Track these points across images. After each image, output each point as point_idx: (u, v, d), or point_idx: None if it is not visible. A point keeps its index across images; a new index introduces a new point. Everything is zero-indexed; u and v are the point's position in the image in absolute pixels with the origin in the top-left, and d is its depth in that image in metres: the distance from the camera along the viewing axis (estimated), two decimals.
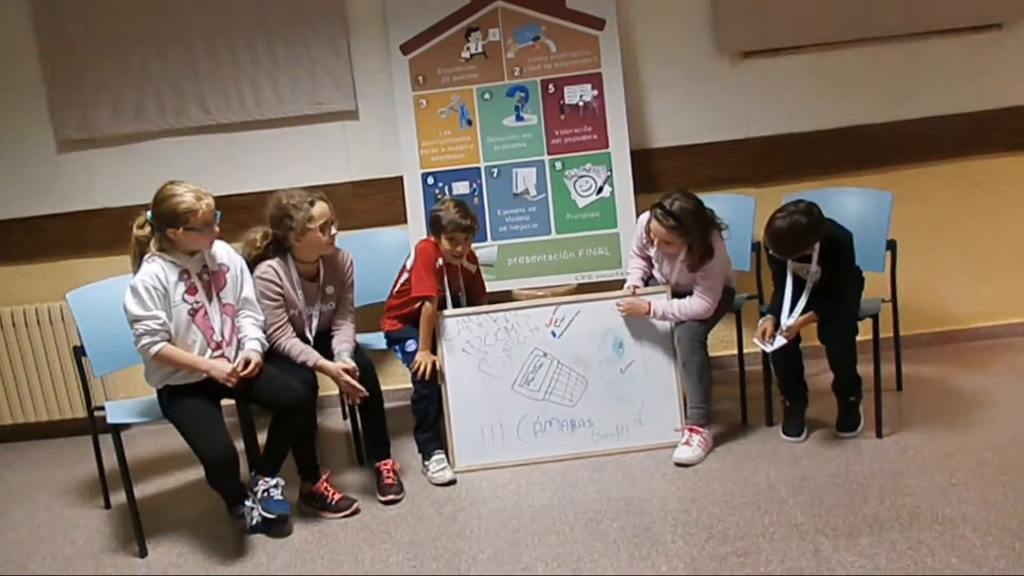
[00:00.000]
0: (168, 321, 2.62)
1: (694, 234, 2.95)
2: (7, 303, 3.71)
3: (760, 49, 3.61)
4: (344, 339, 2.98)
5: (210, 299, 2.71)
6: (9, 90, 3.64)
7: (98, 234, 3.61)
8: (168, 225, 2.61)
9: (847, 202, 3.24)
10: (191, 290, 2.67)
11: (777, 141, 3.65)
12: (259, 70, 3.60)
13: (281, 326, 2.89)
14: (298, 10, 3.56)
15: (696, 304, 3.03)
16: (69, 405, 3.73)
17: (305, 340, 2.95)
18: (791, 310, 2.94)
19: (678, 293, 3.11)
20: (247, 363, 2.70)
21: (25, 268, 3.75)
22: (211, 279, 2.73)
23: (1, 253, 3.74)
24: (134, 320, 2.59)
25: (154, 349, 2.60)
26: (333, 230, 2.89)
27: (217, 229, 2.69)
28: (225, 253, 2.79)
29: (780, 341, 2.93)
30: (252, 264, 2.90)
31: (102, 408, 2.96)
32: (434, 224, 3.07)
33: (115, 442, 2.75)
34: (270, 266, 2.89)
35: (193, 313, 2.67)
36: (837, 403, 3.06)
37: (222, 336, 2.71)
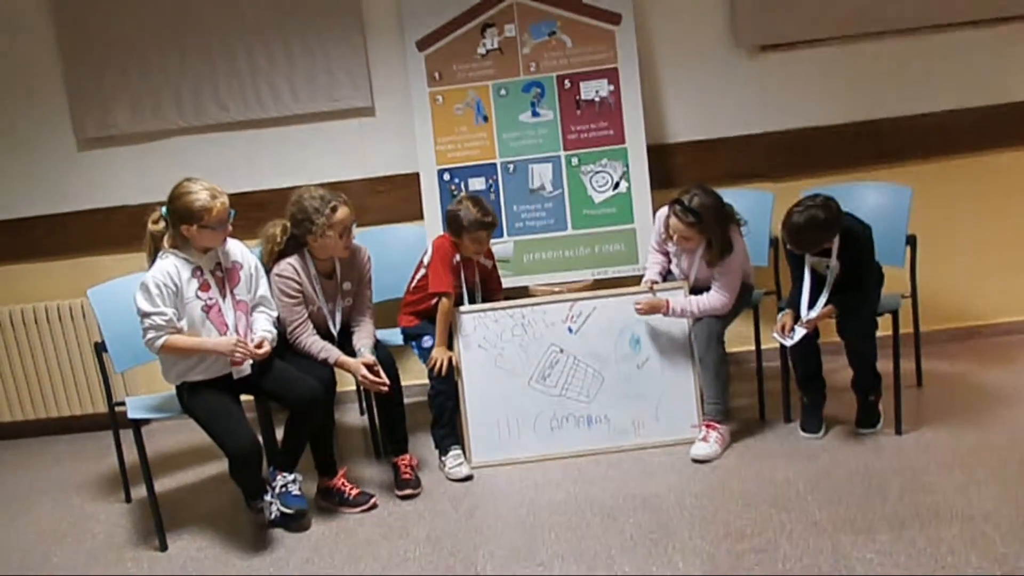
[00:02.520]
0: (176, 318, 2.64)
1: (713, 230, 2.93)
2: (28, 300, 3.75)
3: (777, 43, 3.59)
4: (364, 335, 2.99)
5: (224, 296, 2.73)
6: (30, 89, 3.68)
7: (117, 231, 3.64)
8: (182, 222, 2.63)
9: (866, 197, 3.21)
10: (204, 287, 2.69)
11: (795, 135, 3.62)
12: (276, 68, 3.61)
13: (301, 323, 2.90)
14: (314, 7, 3.56)
15: (714, 299, 3.02)
16: (90, 400, 3.77)
17: (329, 336, 2.96)
18: (810, 305, 2.92)
19: (696, 288, 3.10)
20: (260, 345, 2.71)
21: (45, 265, 3.79)
22: (225, 276, 2.74)
23: (21, 250, 3.78)
24: (142, 315, 2.62)
25: (158, 343, 2.62)
26: (351, 235, 2.89)
27: (230, 227, 2.70)
28: (239, 251, 2.81)
29: (800, 333, 2.91)
30: (272, 260, 2.91)
31: (123, 403, 2.98)
32: (453, 224, 3.05)
33: (136, 437, 2.78)
34: (289, 263, 2.90)
35: (207, 310, 2.69)
36: (856, 400, 3.04)
37: (236, 332, 2.72)
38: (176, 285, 2.64)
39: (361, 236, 3.05)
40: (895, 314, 3.00)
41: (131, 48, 3.59)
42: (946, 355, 3.61)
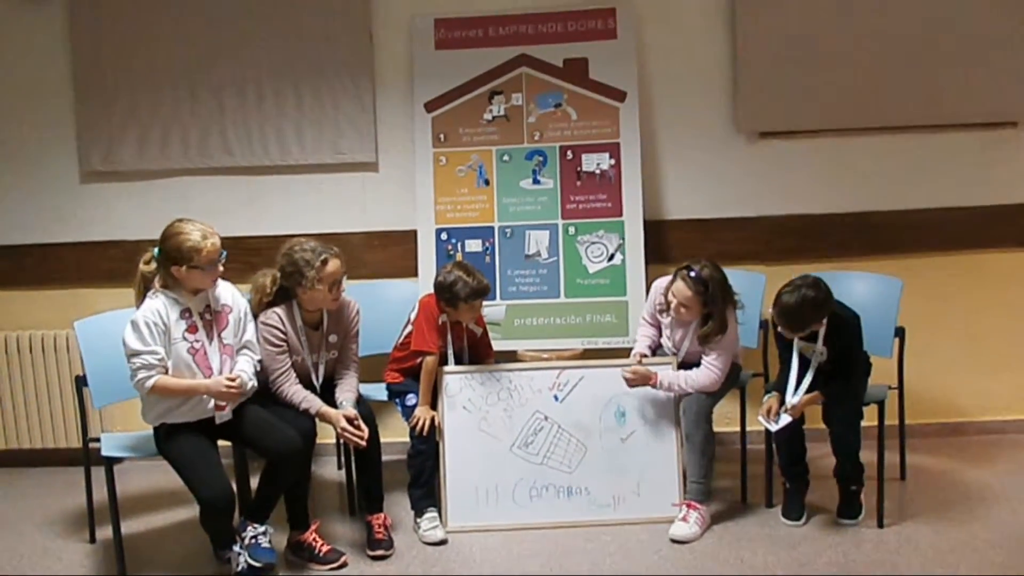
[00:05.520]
0: (166, 357, 2.62)
1: (716, 303, 2.95)
2: (13, 328, 3.72)
3: (777, 130, 3.67)
4: (347, 389, 2.97)
5: (211, 339, 2.71)
6: (39, 117, 3.71)
7: (112, 266, 3.64)
8: (172, 262, 2.63)
9: (857, 286, 3.24)
10: (192, 328, 2.68)
11: (790, 221, 3.68)
12: (284, 117, 3.67)
13: (284, 372, 2.89)
14: (328, 61, 3.64)
15: (703, 376, 3.01)
16: (64, 434, 3.70)
17: (312, 388, 2.94)
18: (796, 389, 2.92)
19: (685, 364, 3.10)
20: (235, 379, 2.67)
21: (34, 294, 3.77)
22: (213, 319, 2.73)
23: (12, 277, 3.76)
24: (132, 354, 2.60)
25: (149, 383, 2.59)
26: (340, 288, 2.90)
27: (221, 268, 2.69)
28: (230, 294, 2.80)
29: (785, 419, 2.91)
30: (261, 310, 2.90)
31: (98, 440, 2.94)
32: (447, 296, 3.01)
33: (107, 475, 2.73)
34: (275, 312, 2.89)
35: (193, 352, 2.67)
36: (838, 490, 3.01)
37: (221, 376, 2.70)
38: (165, 324, 2.63)
39: (354, 289, 3.05)
40: (881, 405, 3.00)
41: (144, 85, 3.64)
42: (930, 449, 3.60)
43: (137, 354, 2.59)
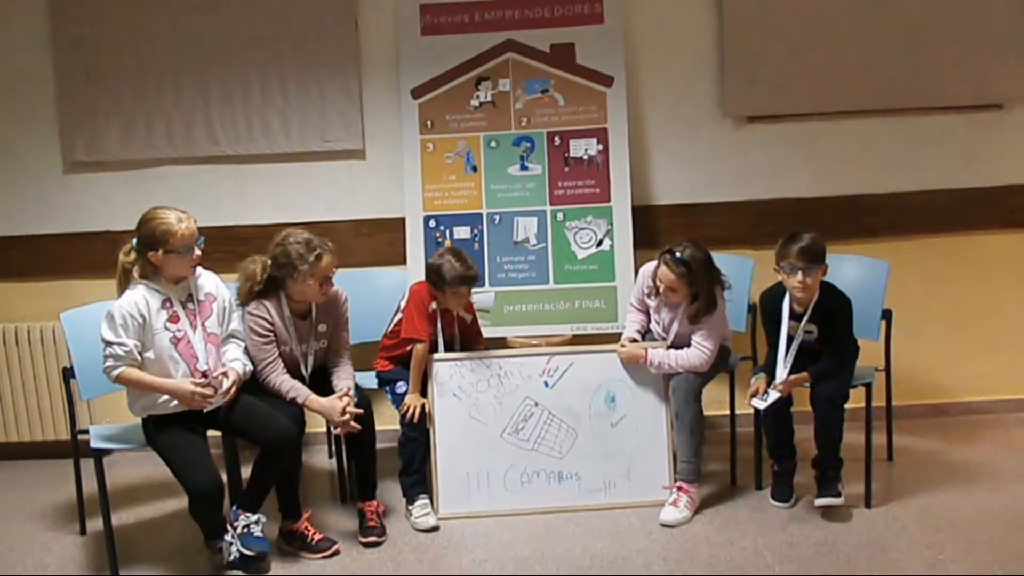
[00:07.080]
0: (138, 351, 2.61)
1: (701, 283, 2.96)
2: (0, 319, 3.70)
3: (764, 115, 3.68)
4: (344, 377, 2.96)
5: (194, 328, 2.70)
6: (21, 108, 3.67)
7: (98, 256, 3.59)
8: (149, 248, 2.62)
9: (844, 269, 3.25)
10: (173, 318, 2.67)
11: (777, 205, 3.69)
12: (270, 105, 3.64)
13: (272, 362, 2.87)
14: (313, 49, 3.61)
15: (693, 355, 3.02)
16: (53, 427, 3.68)
17: (300, 378, 2.93)
18: (784, 363, 2.93)
19: (674, 347, 3.11)
20: (227, 375, 2.67)
21: (20, 286, 3.74)
22: (196, 308, 2.72)
23: None
24: (105, 344, 2.60)
25: (115, 372, 2.59)
26: (330, 284, 2.89)
27: (199, 253, 2.67)
28: (213, 284, 2.79)
29: (773, 395, 2.92)
30: (250, 298, 2.89)
31: (86, 432, 2.92)
32: (435, 278, 3.03)
33: (96, 467, 2.72)
34: (261, 303, 2.88)
35: (175, 342, 2.66)
36: (815, 477, 2.97)
37: (207, 365, 2.69)
38: (143, 317, 2.62)
39: (343, 278, 3.04)
40: (868, 387, 3.02)
41: (127, 74, 3.60)
42: (916, 430, 3.63)
43: (109, 344, 2.59)
